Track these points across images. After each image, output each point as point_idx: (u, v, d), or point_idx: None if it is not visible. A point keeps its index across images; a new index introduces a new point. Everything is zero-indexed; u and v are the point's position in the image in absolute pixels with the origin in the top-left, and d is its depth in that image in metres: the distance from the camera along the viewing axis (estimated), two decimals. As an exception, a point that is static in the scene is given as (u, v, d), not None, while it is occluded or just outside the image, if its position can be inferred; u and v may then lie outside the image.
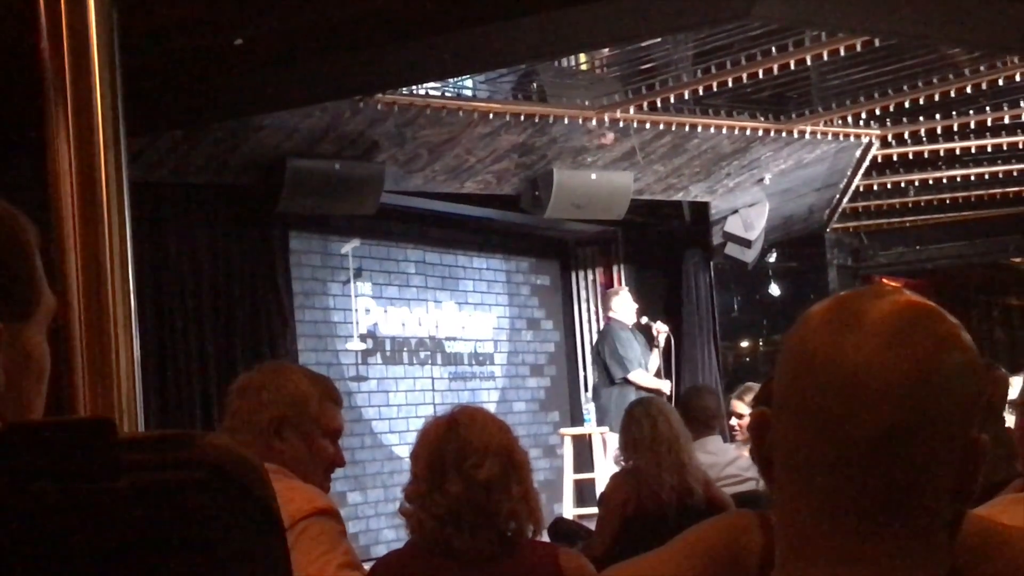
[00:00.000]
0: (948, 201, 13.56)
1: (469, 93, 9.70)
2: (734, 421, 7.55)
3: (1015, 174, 12.60)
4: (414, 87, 8.92)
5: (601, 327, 12.36)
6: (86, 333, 2.71)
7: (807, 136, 10.99)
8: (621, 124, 9.99)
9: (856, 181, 12.56)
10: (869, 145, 11.56)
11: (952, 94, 10.16)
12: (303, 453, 3.48)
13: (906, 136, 11.56)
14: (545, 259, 13.31)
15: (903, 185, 13.15)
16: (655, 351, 11.35)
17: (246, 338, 9.37)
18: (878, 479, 1.32)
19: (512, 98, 9.76)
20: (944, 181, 12.93)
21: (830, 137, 11.20)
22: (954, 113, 10.97)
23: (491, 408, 11.87)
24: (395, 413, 11.27)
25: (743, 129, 10.62)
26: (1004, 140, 11.58)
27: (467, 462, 3.37)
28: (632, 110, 9.96)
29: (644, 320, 11.39)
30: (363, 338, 11.00)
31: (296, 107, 8.41)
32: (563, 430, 11.18)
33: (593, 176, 10.77)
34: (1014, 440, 3.00)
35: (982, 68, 9.82)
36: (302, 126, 8.85)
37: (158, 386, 8.70)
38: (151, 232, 8.87)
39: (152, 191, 8.79)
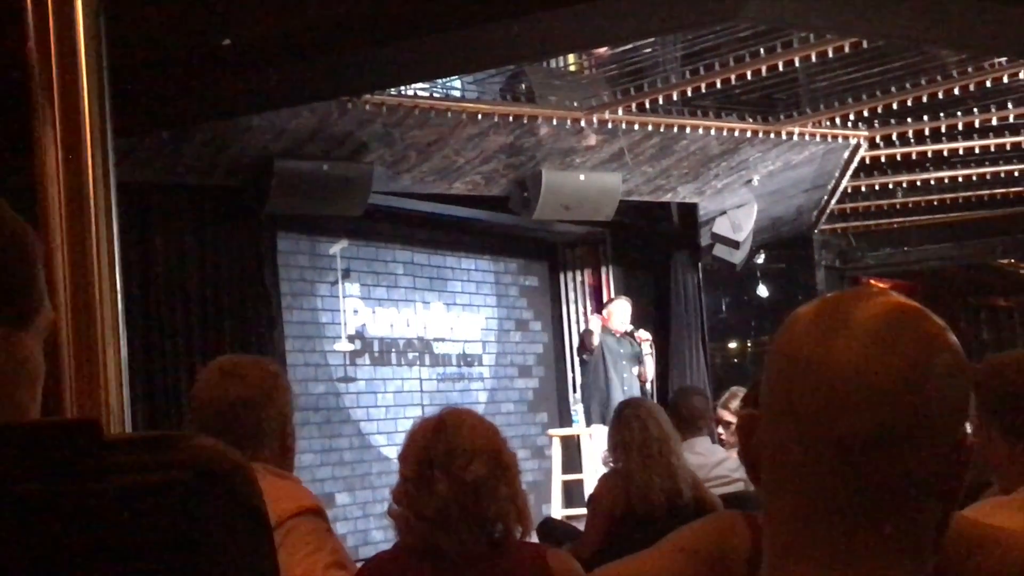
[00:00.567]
0: (936, 203, 13.59)
1: (457, 94, 9.70)
2: (720, 429, 7.55)
3: (1002, 175, 12.63)
4: (402, 88, 8.92)
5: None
6: (73, 333, 2.71)
7: (795, 137, 11.01)
8: (610, 125, 9.99)
9: (844, 182, 12.57)
10: (857, 146, 11.58)
11: (940, 96, 10.19)
12: (293, 444, 3.50)
13: (894, 138, 11.57)
14: (533, 260, 13.32)
15: (891, 187, 13.17)
16: (647, 359, 11.36)
17: (234, 339, 9.36)
18: (865, 480, 1.32)
19: (500, 99, 9.76)
20: (932, 183, 12.95)
21: (818, 138, 11.21)
22: (942, 115, 10.99)
23: (479, 409, 11.88)
24: (383, 414, 11.26)
25: (731, 130, 10.63)
26: (991, 142, 11.61)
27: (455, 463, 3.36)
28: (620, 111, 9.97)
29: (629, 328, 11.40)
30: (351, 339, 11.00)
31: (284, 108, 8.40)
32: (551, 431, 11.19)
33: (581, 177, 10.77)
34: (989, 461, 3.02)
35: (969, 70, 9.84)
36: (290, 127, 8.84)
37: (145, 387, 8.69)
38: (139, 233, 8.87)
39: (140, 192, 8.79)
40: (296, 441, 3.57)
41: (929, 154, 11.95)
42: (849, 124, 11.26)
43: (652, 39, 9.46)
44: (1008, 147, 11.76)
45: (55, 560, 1.10)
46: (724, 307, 15.89)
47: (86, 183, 2.77)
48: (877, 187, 13.14)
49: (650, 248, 13.23)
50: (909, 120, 11.21)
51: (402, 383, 11.56)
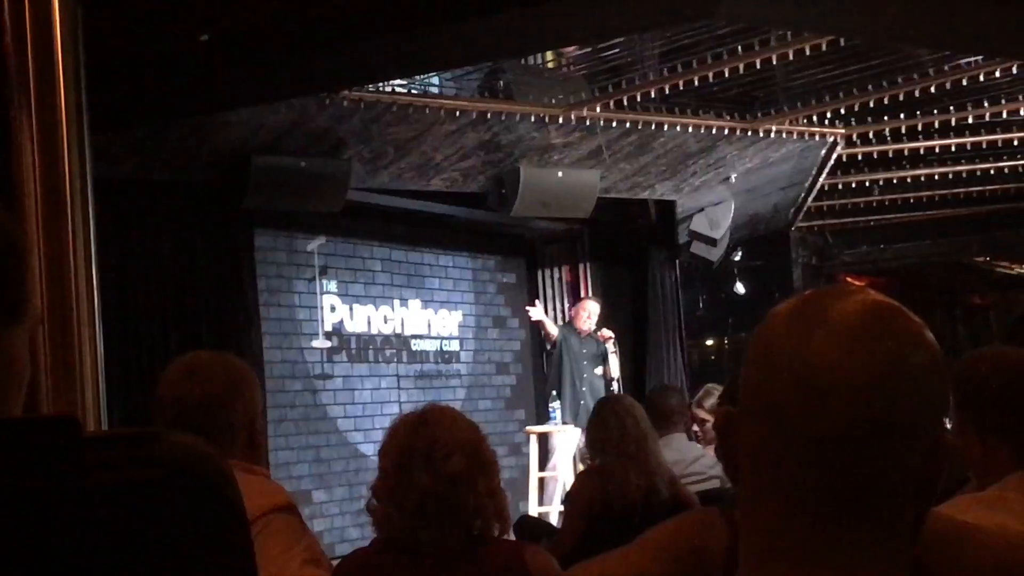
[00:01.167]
0: (912, 200, 13.62)
1: (436, 90, 9.69)
2: (696, 427, 7.55)
3: (978, 174, 12.68)
4: (381, 84, 8.91)
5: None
6: (50, 330, 2.70)
7: (772, 135, 11.03)
8: (588, 122, 9.99)
9: (821, 180, 12.60)
10: (834, 144, 11.61)
11: (916, 94, 10.22)
12: (263, 438, 3.49)
13: (871, 135, 11.61)
14: (511, 257, 13.32)
15: (868, 184, 13.20)
16: (612, 357, 11.38)
17: (211, 336, 9.33)
18: (842, 478, 1.32)
19: (479, 95, 9.76)
20: (908, 180, 12.98)
21: (795, 136, 11.24)
22: (918, 113, 11.02)
23: (457, 406, 11.83)
24: (360, 411, 11.25)
25: (709, 128, 10.65)
26: (967, 140, 11.65)
27: (435, 457, 3.37)
28: (599, 108, 9.97)
29: (593, 328, 11.41)
30: (329, 336, 10.99)
31: (262, 104, 8.39)
32: (529, 428, 11.19)
33: (559, 174, 10.78)
34: (965, 457, 3.03)
35: (946, 68, 9.87)
36: (268, 123, 8.82)
37: (122, 384, 8.66)
38: (115, 229, 8.84)
39: (117, 188, 8.75)
40: (267, 438, 3.56)
41: (906, 152, 11.98)
42: (826, 122, 11.29)
43: (630, 36, 9.46)
44: (984, 145, 11.80)
45: (33, 557, 1.10)
46: (701, 304, 15.89)
47: (63, 179, 2.76)
48: (854, 185, 13.18)
49: (628, 245, 13.23)
50: (886, 118, 11.24)
51: (380, 380, 11.55)
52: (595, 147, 10.51)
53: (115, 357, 8.27)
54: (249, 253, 10.03)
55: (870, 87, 10.27)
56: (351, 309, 11.31)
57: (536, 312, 11.44)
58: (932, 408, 1.35)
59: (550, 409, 11.01)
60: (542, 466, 11.08)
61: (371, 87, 8.84)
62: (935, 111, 10.97)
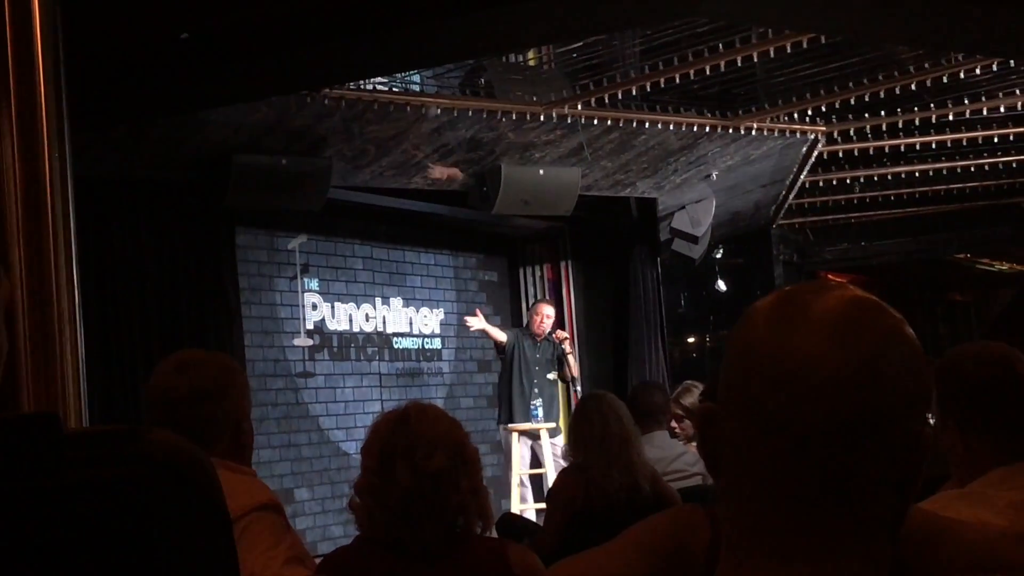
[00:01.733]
0: (893, 197, 13.65)
1: (417, 88, 9.68)
2: (673, 422, 7.54)
3: (959, 171, 12.72)
4: (361, 82, 8.90)
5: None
6: (30, 328, 2.69)
7: (753, 132, 11.05)
8: (569, 120, 10.00)
9: (802, 177, 12.63)
10: (815, 141, 11.63)
11: (897, 91, 10.24)
12: (250, 438, 3.48)
13: (851, 133, 11.64)
14: (493, 255, 13.32)
15: (848, 181, 13.23)
16: (569, 357, 11.36)
17: (192, 334, 9.33)
18: (822, 473, 1.32)
19: (460, 93, 9.75)
20: (889, 178, 13.00)
21: (776, 133, 11.26)
22: (899, 110, 11.05)
23: (439, 404, 11.85)
24: (342, 409, 11.25)
25: (690, 125, 10.66)
26: (948, 137, 11.68)
27: (417, 454, 3.37)
28: (580, 106, 9.98)
29: (548, 331, 11.39)
30: (310, 334, 10.98)
31: (242, 102, 8.37)
32: (511, 425, 11.19)
33: (541, 172, 10.78)
34: (945, 451, 3.03)
35: (926, 65, 9.89)
36: (248, 121, 8.81)
37: (103, 382, 8.65)
38: (96, 228, 8.83)
39: (97, 187, 8.74)
40: (254, 437, 3.55)
41: (886, 149, 12.00)
42: (807, 119, 11.31)
43: (611, 34, 9.47)
44: (964, 142, 11.83)
45: (15, 555, 1.10)
46: (683, 302, 15.93)
47: (43, 178, 2.75)
48: (835, 182, 13.21)
49: (609, 243, 13.23)
50: (866, 115, 11.27)
51: (361, 378, 11.55)
52: (576, 145, 10.52)
53: (96, 355, 8.33)
54: (230, 251, 10.01)
55: (851, 84, 10.29)
56: (333, 307, 11.31)
57: (476, 322, 11.34)
58: (912, 403, 1.35)
59: (532, 407, 11.00)
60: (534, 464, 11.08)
61: (352, 85, 8.83)
62: (915, 108, 11.00)
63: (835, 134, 11.61)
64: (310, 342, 10.97)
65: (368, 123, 9.27)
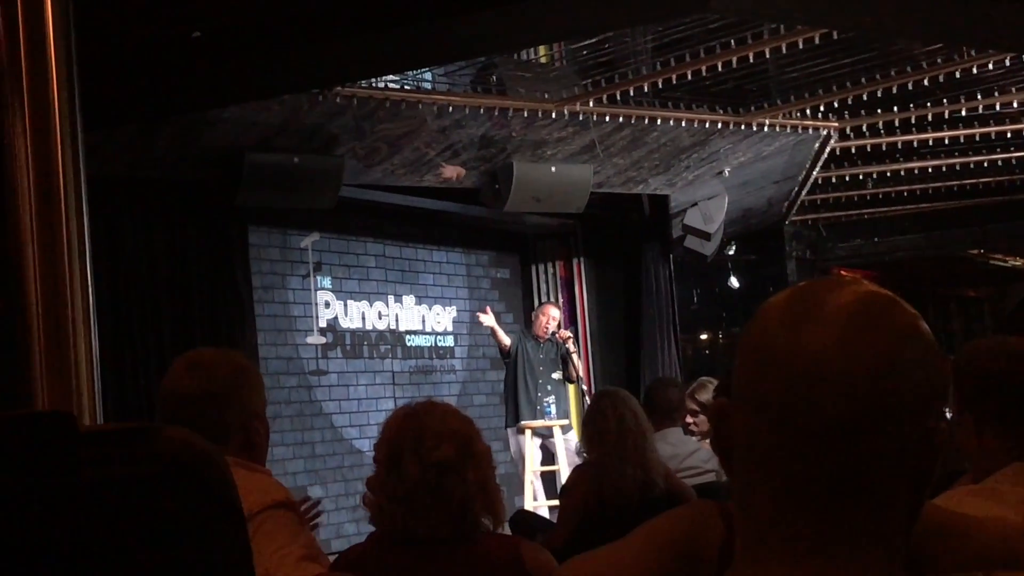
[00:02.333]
0: (906, 193, 13.64)
1: (428, 86, 9.68)
2: (689, 418, 7.53)
3: (972, 166, 12.69)
4: (373, 80, 8.90)
5: (561, 321, 12.41)
6: (44, 327, 2.70)
7: (766, 129, 11.02)
8: (581, 117, 9.99)
9: (814, 173, 12.60)
10: (827, 137, 11.61)
11: (909, 87, 10.21)
12: (264, 437, 3.48)
13: (864, 128, 11.61)
14: (505, 252, 13.33)
15: (861, 177, 13.19)
16: (573, 356, 11.32)
17: (205, 333, 9.34)
18: (836, 469, 1.32)
19: (471, 91, 9.75)
20: (902, 173, 12.99)
21: (788, 130, 11.23)
22: (911, 105, 11.02)
23: (451, 401, 11.87)
24: (355, 407, 11.26)
25: (702, 122, 10.64)
26: (961, 132, 11.65)
27: (424, 445, 3.39)
28: (591, 103, 9.97)
29: (552, 332, 11.36)
30: (323, 332, 10.99)
31: (254, 100, 8.38)
32: (523, 423, 11.19)
33: (553, 169, 10.78)
34: (961, 447, 3.02)
35: (939, 60, 9.86)
36: (260, 120, 8.82)
37: (116, 380, 8.67)
38: (109, 227, 8.84)
39: (110, 185, 8.75)
40: (268, 438, 3.55)
41: (899, 145, 11.98)
42: (819, 115, 11.29)
43: (623, 31, 9.46)
44: (977, 138, 11.79)
45: (29, 554, 1.10)
46: (695, 299, 15.91)
47: (56, 176, 2.76)
48: (847, 178, 13.17)
49: (621, 240, 13.23)
50: (879, 111, 11.23)
51: (374, 376, 11.56)
52: (588, 142, 10.51)
53: (109, 354, 8.34)
54: (243, 250, 10.03)
55: (863, 80, 10.27)
56: (345, 305, 11.32)
57: (487, 319, 11.32)
58: (926, 398, 1.35)
59: (544, 404, 11.00)
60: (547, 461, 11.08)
61: (364, 83, 8.83)
62: (928, 104, 10.97)
63: (848, 130, 11.59)
64: (323, 340, 10.98)
65: (380, 121, 9.27)
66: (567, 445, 10.75)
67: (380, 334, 11.66)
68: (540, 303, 12.12)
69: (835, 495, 1.33)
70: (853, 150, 12.23)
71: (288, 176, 9.32)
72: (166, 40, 6.58)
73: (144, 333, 9.13)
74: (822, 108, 11.09)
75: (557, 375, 11.31)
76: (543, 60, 10.78)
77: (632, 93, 10.05)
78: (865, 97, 10.58)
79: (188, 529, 1.16)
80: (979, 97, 10.81)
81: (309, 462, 10.75)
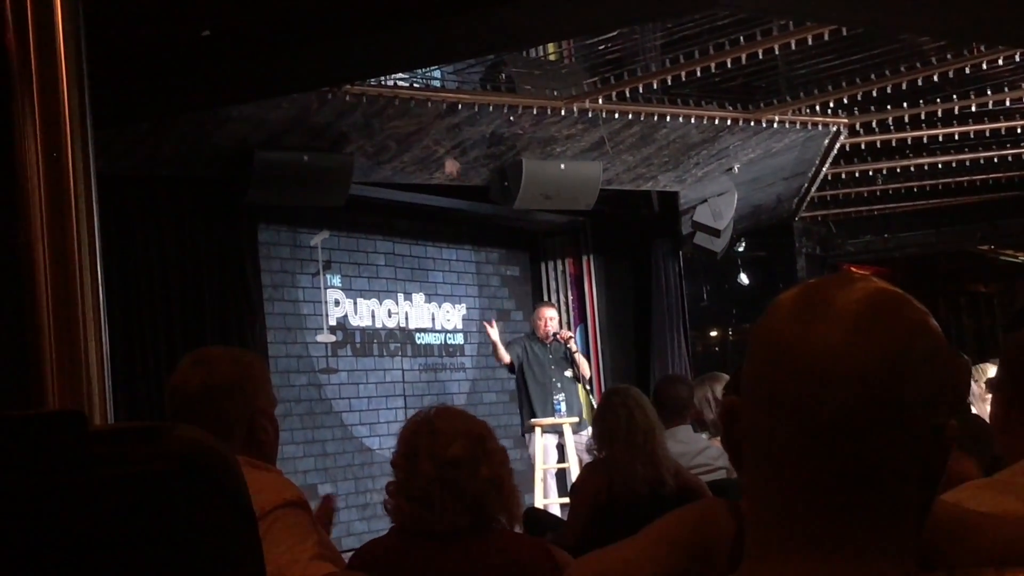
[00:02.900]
0: (916, 189, 13.62)
1: (437, 84, 9.68)
2: (708, 413, 7.51)
3: (982, 162, 12.67)
4: (382, 78, 8.90)
5: (571, 318, 12.41)
6: (55, 326, 2.70)
7: (775, 125, 11.01)
8: (590, 114, 9.99)
9: (824, 170, 12.59)
10: (837, 134, 11.59)
11: (919, 82, 10.20)
12: (273, 435, 3.48)
13: (874, 124, 11.59)
14: (514, 250, 13.33)
15: (871, 173, 13.19)
16: (577, 356, 11.29)
17: (215, 331, 9.36)
18: (846, 466, 1.32)
19: (480, 88, 9.75)
20: (912, 169, 12.98)
21: (798, 126, 11.22)
22: (921, 101, 11.01)
23: (461, 399, 11.91)
24: (365, 405, 11.27)
25: (712, 118, 10.63)
26: (971, 128, 11.63)
27: (437, 444, 3.45)
28: (601, 100, 9.97)
29: (553, 332, 11.32)
30: (333, 330, 11.00)
31: (264, 99, 8.38)
32: (533, 420, 11.19)
33: (562, 166, 10.77)
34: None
35: (949, 56, 9.85)
36: (270, 118, 8.82)
37: (127, 379, 8.68)
38: (119, 225, 8.86)
39: (120, 184, 8.76)
40: (272, 435, 3.54)
41: (909, 141, 11.97)
42: (829, 111, 11.27)
43: (632, 27, 9.46)
44: (987, 133, 11.79)
45: (41, 552, 1.10)
46: (705, 295, 15.91)
47: (66, 175, 2.76)
48: (857, 174, 13.16)
49: (631, 237, 13.23)
50: (888, 107, 11.22)
51: (384, 374, 11.56)
52: (597, 139, 10.51)
53: (120, 352, 8.35)
54: (253, 248, 10.04)
55: (872, 76, 10.26)
56: (355, 303, 11.33)
57: (492, 333, 11.22)
58: (935, 395, 1.35)
59: (555, 402, 11.00)
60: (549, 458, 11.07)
61: (373, 81, 8.83)
62: (938, 99, 10.96)
63: (857, 126, 11.58)
64: (333, 338, 10.99)
65: (389, 119, 9.28)
66: (578, 443, 10.74)
67: (390, 332, 11.67)
68: (535, 305, 12.04)
69: (845, 492, 1.33)
70: (863, 146, 12.22)
71: (298, 174, 9.33)
72: (176, 38, 6.59)
73: (154, 331, 9.14)
74: (831, 104, 11.08)
75: (569, 373, 11.30)
76: (552, 57, 10.77)
77: (641, 90, 10.05)
78: (875, 93, 10.58)
79: (199, 528, 1.16)
80: (989, 93, 10.80)
81: (319, 460, 10.76)
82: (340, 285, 11.22)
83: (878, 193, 13.93)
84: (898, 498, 1.34)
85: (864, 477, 1.32)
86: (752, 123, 10.89)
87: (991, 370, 7.01)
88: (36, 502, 1.11)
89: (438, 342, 12.21)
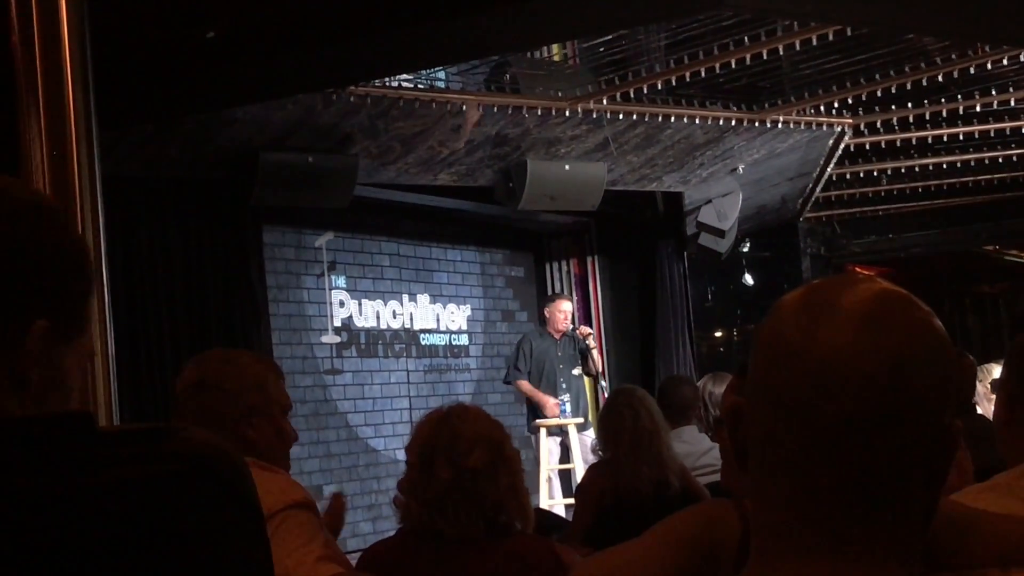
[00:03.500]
0: (920, 189, 13.60)
1: (442, 84, 9.69)
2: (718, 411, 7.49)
3: (987, 162, 12.65)
4: (387, 79, 8.91)
5: (576, 319, 12.39)
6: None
7: (780, 125, 11.01)
8: (594, 115, 9.99)
9: (829, 170, 12.58)
10: (841, 134, 11.59)
11: (924, 82, 10.19)
12: (271, 437, 3.48)
13: (878, 125, 11.58)
14: (519, 251, 13.33)
15: (875, 174, 13.18)
16: (593, 352, 11.28)
17: (220, 332, 9.35)
18: (851, 466, 1.32)
19: (485, 89, 9.75)
20: (916, 169, 12.97)
21: (803, 126, 11.22)
22: (926, 101, 11.00)
23: (466, 400, 11.89)
24: (370, 406, 11.26)
25: (716, 119, 10.63)
26: (976, 128, 11.62)
27: (457, 450, 3.43)
28: (605, 101, 9.97)
29: (568, 328, 11.32)
30: (338, 331, 11.00)
31: (268, 100, 8.39)
32: (538, 421, 11.19)
33: (567, 167, 10.77)
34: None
35: (953, 56, 9.85)
36: (275, 119, 8.83)
37: (132, 380, 8.67)
38: (124, 226, 8.85)
39: (125, 185, 8.76)
40: (275, 435, 3.54)
41: (913, 141, 11.96)
42: (833, 111, 11.27)
43: (636, 28, 9.45)
44: (992, 133, 11.78)
45: (50, 553, 1.10)
46: (710, 296, 15.88)
47: (71, 176, 2.76)
48: (862, 174, 13.15)
49: (635, 237, 13.22)
50: (893, 107, 11.22)
51: (389, 375, 11.56)
52: (602, 140, 10.50)
53: (125, 354, 8.35)
54: (257, 249, 10.03)
55: (877, 76, 10.25)
56: (360, 304, 11.33)
57: (585, 329, 11.43)
58: (940, 396, 1.35)
59: (561, 402, 11.00)
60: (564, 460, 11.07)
61: (377, 82, 8.84)
62: (943, 100, 10.96)
63: (862, 126, 11.57)
64: (337, 339, 10.99)
65: (393, 120, 9.28)
66: (583, 443, 10.74)
67: (395, 333, 11.67)
68: (552, 296, 12.01)
69: (850, 492, 1.33)
70: (867, 146, 12.21)
71: (302, 175, 9.33)
72: (180, 40, 6.59)
73: (159, 333, 9.14)
74: (836, 104, 11.07)
75: (576, 371, 11.30)
76: (556, 58, 10.77)
77: (646, 91, 10.05)
78: (879, 93, 10.57)
79: (208, 528, 1.16)
80: (993, 93, 10.79)
81: (324, 461, 10.75)
82: (345, 286, 11.22)
83: (883, 193, 13.91)
84: (904, 498, 1.34)
85: (870, 478, 1.32)
86: (757, 124, 10.89)
87: (996, 370, 7.01)
88: (43, 502, 1.11)
89: (443, 343, 12.21)
